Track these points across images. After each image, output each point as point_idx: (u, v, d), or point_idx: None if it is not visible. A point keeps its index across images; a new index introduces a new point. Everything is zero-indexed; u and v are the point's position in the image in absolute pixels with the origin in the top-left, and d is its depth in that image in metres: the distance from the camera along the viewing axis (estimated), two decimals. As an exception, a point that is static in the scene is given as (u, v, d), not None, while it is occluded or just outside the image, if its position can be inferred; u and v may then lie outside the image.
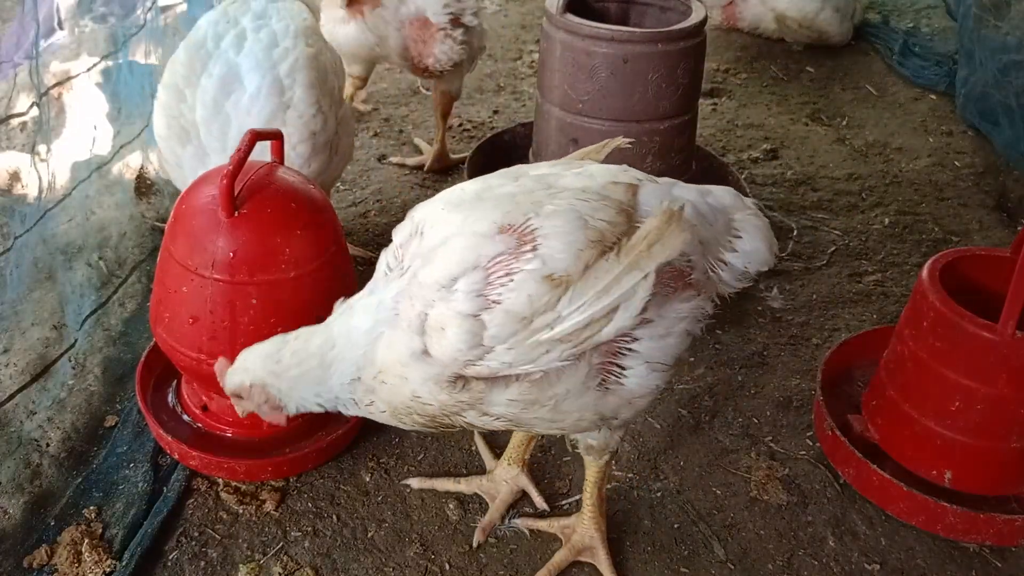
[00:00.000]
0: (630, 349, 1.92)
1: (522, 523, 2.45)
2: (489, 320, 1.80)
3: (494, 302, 1.80)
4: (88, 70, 3.63)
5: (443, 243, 1.87)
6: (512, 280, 1.80)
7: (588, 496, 2.34)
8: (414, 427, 2.01)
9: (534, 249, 1.82)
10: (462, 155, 4.13)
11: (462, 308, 1.80)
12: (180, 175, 2.82)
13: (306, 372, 1.96)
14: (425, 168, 4.14)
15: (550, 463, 2.66)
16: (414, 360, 1.86)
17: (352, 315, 1.96)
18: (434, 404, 1.91)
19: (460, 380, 1.87)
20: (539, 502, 2.51)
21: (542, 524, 2.43)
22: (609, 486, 2.59)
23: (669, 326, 1.97)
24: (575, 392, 1.91)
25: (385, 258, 1.99)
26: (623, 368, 1.93)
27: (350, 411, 2.02)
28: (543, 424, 2.00)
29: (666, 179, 2.16)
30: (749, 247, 2.13)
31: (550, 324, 1.81)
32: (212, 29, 2.84)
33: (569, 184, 1.98)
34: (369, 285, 2.00)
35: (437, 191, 3.86)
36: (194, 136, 2.76)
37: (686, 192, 2.11)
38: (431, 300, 1.83)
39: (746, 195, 3.47)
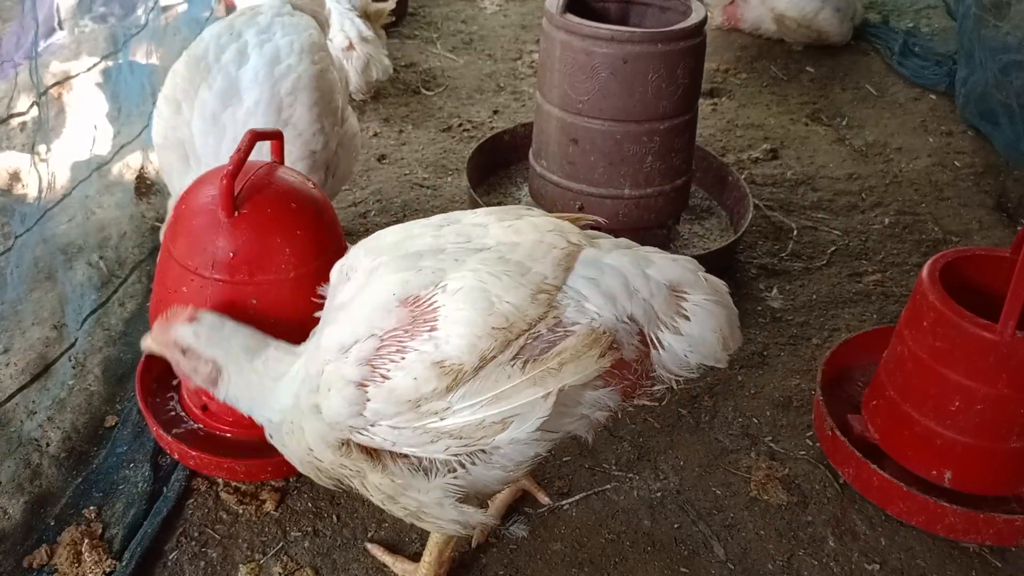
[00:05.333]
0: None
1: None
2: (373, 394, 1.76)
3: (382, 376, 1.75)
4: (88, 70, 3.63)
5: (351, 301, 1.86)
6: (403, 358, 1.74)
7: (427, 553, 2.21)
8: (321, 482, 2.03)
9: (432, 329, 1.74)
10: None
11: (348, 373, 1.78)
12: (174, 184, 2.81)
13: (264, 388, 2.00)
14: None
15: (550, 462, 2.66)
16: (310, 414, 1.87)
17: (297, 359, 1.97)
18: (324, 462, 1.92)
19: (345, 446, 1.86)
20: (543, 499, 2.51)
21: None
22: (609, 486, 2.60)
23: (565, 406, 1.83)
24: (432, 503, 1.87)
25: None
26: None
27: (272, 442, 2.06)
28: (410, 518, 1.96)
29: (606, 240, 1.99)
30: (696, 333, 1.92)
31: (439, 414, 1.75)
32: (215, 42, 2.82)
33: (493, 240, 1.87)
34: (321, 321, 2.00)
35: (436, 192, 3.95)
36: (188, 148, 2.74)
37: (621, 262, 1.91)
38: (328, 360, 1.82)
39: (747, 195, 3.55)
